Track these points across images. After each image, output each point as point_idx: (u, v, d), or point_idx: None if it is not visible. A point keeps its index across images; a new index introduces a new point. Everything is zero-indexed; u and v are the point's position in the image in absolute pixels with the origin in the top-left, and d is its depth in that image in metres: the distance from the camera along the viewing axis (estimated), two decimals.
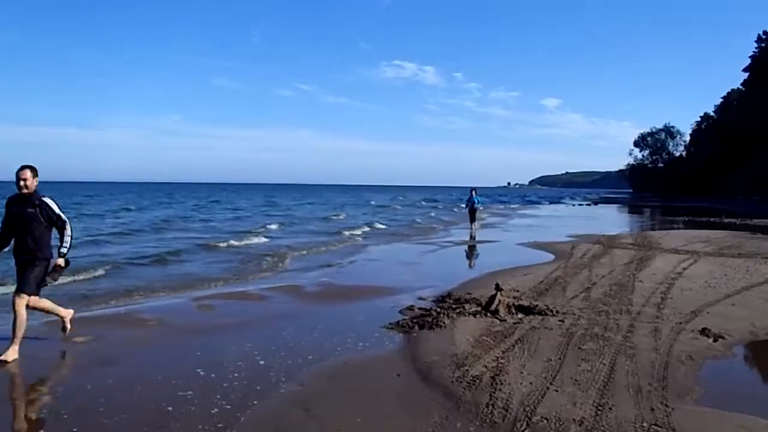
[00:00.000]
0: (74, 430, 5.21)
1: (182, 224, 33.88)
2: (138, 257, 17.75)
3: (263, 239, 24.42)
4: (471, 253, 20.75)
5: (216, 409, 5.65)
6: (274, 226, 32.22)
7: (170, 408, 5.71)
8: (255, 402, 5.88)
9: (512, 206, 70.71)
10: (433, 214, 48.07)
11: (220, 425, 5.32)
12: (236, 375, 6.69)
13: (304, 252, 20.17)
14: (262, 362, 7.19)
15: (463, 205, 35.96)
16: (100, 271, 14.55)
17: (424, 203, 78.78)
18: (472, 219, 27.47)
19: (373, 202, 76.59)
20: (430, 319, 9.06)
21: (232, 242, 22.48)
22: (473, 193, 27.24)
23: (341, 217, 43.22)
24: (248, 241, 23.27)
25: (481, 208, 29.84)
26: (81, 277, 13.54)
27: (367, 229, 31.39)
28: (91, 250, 19.47)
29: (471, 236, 25.39)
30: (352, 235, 27.40)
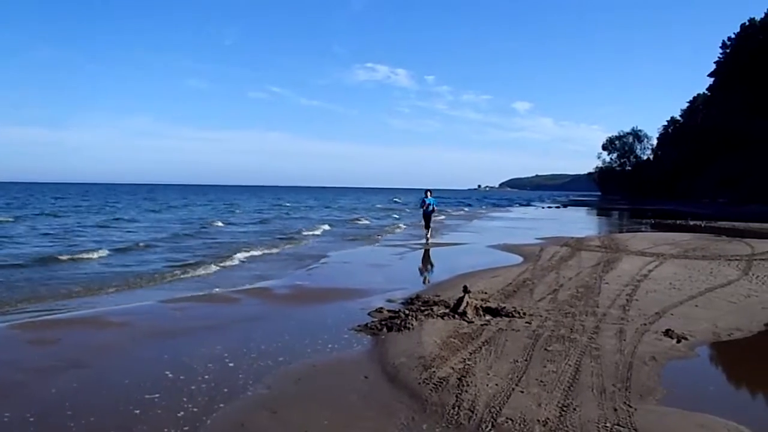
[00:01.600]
0: None
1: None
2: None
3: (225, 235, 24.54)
4: (426, 259, 19.21)
5: (182, 412, 5.64)
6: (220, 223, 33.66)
7: (137, 411, 5.68)
8: (222, 405, 5.87)
9: (482, 208, 71.04)
10: (396, 216, 48.11)
11: (186, 428, 5.32)
12: (204, 377, 6.67)
13: (275, 250, 20.45)
14: (231, 364, 7.17)
15: (419, 209, 27.69)
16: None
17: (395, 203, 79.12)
18: (427, 224, 24.33)
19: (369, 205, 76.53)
20: (398, 321, 9.09)
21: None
22: (428, 194, 24.16)
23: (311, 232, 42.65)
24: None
25: (436, 210, 25.81)
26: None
27: (327, 227, 31.78)
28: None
29: (426, 241, 23.59)
30: (314, 235, 27.94)
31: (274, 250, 20.90)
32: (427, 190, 24.34)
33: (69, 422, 5.44)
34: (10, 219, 35.30)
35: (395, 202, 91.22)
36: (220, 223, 35.39)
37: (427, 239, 23.69)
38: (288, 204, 73.91)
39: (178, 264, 16.65)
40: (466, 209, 66.66)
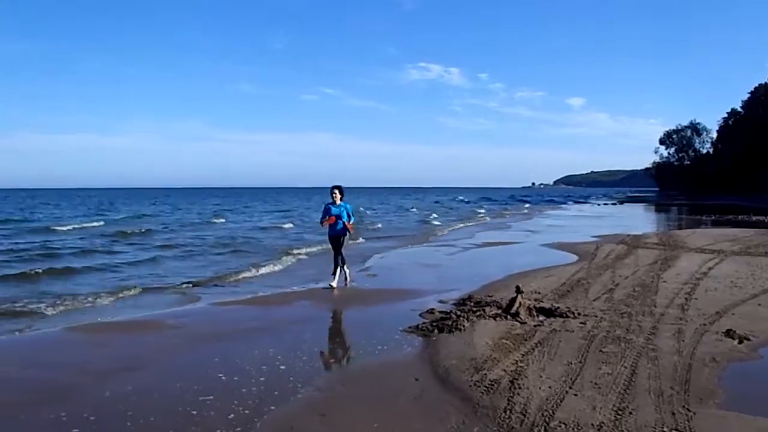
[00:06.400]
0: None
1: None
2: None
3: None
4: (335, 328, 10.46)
5: (233, 414, 5.68)
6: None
7: (194, 412, 5.78)
8: (272, 407, 5.90)
9: (536, 206, 70.31)
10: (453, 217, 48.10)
11: (237, 430, 5.35)
12: (256, 380, 6.72)
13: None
14: (282, 367, 7.21)
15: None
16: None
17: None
18: (337, 251, 13.23)
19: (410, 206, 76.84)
20: (449, 323, 9.02)
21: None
22: (336, 196, 13.20)
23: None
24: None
25: (352, 230, 13.53)
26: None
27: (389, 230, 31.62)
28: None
29: (345, 282, 13.30)
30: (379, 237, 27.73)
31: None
32: (334, 189, 13.26)
33: (126, 422, 5.55)
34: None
35: (460, 201, 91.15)
36: (289, 225, 35.74)
37: (346, 279, 13.33)
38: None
39: (230, 269, 16.87)
40: (526, 208, 66.38)
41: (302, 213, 52.20)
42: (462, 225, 36.52)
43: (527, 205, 71.82)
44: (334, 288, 12.73)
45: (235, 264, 17.59)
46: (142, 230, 31.08)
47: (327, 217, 13.11)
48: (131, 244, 24.72)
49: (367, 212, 52.87)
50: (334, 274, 13.07)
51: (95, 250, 22.06)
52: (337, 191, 13.17)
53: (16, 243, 24.53)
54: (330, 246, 13.58)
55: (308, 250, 20.96)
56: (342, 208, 13.20)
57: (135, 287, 13.29)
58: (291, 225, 35.38)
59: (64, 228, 33.12)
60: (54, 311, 10.88)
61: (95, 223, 37.79)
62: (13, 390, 6.56)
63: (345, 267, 13.29)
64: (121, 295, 12.53)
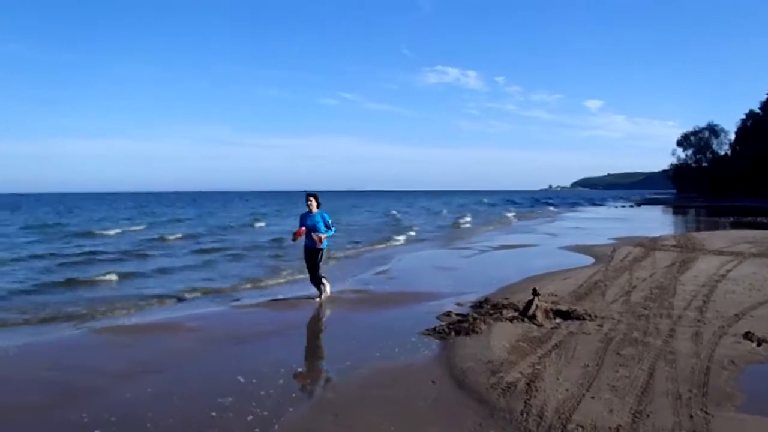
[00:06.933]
0: None
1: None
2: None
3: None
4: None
5: (251, 416, 5.73)
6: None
7: (213, 413, 5.85)
8: (290, 409, 5.95)
9: (553, 209, 70.00)
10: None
11: (256, 431, 5.40)
12: (274, 382, 6.76)
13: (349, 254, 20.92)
14: (299, 369, 7.27)
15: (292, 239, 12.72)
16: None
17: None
18: (313, 271, 12.03)
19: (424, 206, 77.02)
20: (466, 325, 9.03)
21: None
22: (312, 205, 11.92)
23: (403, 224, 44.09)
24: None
25: (326, 245, 12.05)
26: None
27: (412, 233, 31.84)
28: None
29: (319, 299, 11.86)
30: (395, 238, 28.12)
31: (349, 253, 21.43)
32: (309, 196, 11.95)
33: (146, 423, 5.62)
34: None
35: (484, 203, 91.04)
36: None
37: (320, 300, 11.82)
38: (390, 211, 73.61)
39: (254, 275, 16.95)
40: (541, 209, 66.33)
41: (337, 217, 52.48)
42: (492, 227, 37.17)
43: (551, 208, 71.80)
44: (321, 303, 11.57)
45: (283, 266, 17.57)
46: (186, 234, 31.26)
47: (302, 225, 11.79)
48: (181, 248, 25.02)
49: (398, 215, 53.29)
50: (318, 289, 11.96)
51: (146, 253, 22.33)
52: (312, 199, 11.84)
53: (66, 247, 24.77)
54: (305, 264, 12.13)
55: (346, 253, 21.44)
56: (318, 218, 11.81)
57: (195, 289, 13.60)
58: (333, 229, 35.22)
59: (111, 232, 33.50)
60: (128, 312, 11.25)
61: (138, 227, 38.36)
62: (37, 391, 6.66)
63: (324, 284, 11.99)
64: (187, 295, 12.98)
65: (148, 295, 12.86)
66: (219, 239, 28.71)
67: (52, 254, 21.52)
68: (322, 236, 11.67)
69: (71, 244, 26.56)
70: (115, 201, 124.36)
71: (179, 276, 16.10)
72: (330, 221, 12.00)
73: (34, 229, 36.62)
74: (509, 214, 53.77)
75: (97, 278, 15.23)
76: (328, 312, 10.89)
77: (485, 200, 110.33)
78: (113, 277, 15.37)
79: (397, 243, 26.39)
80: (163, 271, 17.10)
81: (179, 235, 30.34)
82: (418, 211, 66.55)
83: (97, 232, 33.72)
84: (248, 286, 14.20)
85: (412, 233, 31.34)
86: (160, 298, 12.58)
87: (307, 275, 12.19)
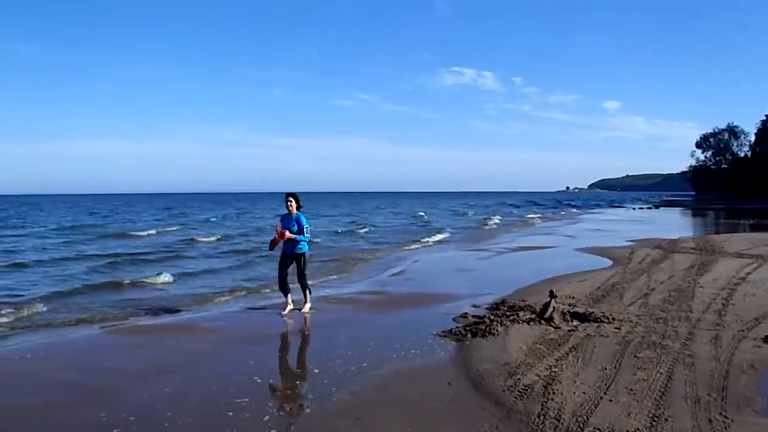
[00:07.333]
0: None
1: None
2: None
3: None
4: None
5: (268, 417, 5.75)
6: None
7: (230, 413, 5.88)
8: (307, 410, 5.97)
9: (571, 211, 69.68)
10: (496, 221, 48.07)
11: None
12: (291, 383, 6.80)
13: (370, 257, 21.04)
14: (315, 370, 7.27)
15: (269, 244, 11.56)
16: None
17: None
18: (283, 280, 11.02)
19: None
20: (483, 327, 9.01)
21: None
22: (291, 206, 10.94)
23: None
24: None
25: (307, 248, 11.02)
26: None
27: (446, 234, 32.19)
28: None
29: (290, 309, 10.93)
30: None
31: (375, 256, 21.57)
32: (289, 196, 10.97)
33: (164, 423, 5.67)
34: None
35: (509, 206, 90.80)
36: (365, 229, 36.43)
37: (305, 311, 10.84)
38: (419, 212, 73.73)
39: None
40: (559, 211, 66.16)
41: (366, 218, 52.97)
42: (518, 228, 37.57)
43: (574, 210, 71.76)
44: (305, 312, 10.66)
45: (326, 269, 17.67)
46: (224, 236, 31.51)
47: (277, 230, 10.79)
48: (214, 248, 25.37)
49: (425, 216, 53.43)
50: (304, 297, 10.94)
51: (182, 255, 22.63)
52: (292, 199, 10.85)
53: (109, 248, 25.14)
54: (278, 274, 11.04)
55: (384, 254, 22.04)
56: (293, 221, 10.78)
57: (241, 289, 14.11)
58: (367, 229, 36.11)
59: (144, 233, 33.78)
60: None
61: (171, 228, 38.91)
62: (55, 391, 6.72)
63: (306, 299, 10.96)
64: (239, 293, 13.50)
65: (203, 293, 13.46)
66: (253, 240, 28.81)
67: (98, 255, 21.88)
68: (287, 233, 10.59)
69: (112, 244, 26.95)
70: (137, 202, 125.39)
71: (225, 275, 16.51)
72: (307, 226, 10.85)
73: (68, 230, 37.00)
74: (533, 216, 54.19)
75: (146, 280, 15.32)
76: (346, 313, 10.88)
77: (509, 202, 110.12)
78: (167, 278, 15.44)
79: (429, 244, 27.07)
80: (209, 271, 17.52)
81: (215, 238, 30.54)
82: (443, 212, 66.58)
83: (132, 233, 34.04)
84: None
85: (446, 234, 31.81)
86: (214, 295, 13.25)
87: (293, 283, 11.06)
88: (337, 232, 33.98)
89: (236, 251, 23.26)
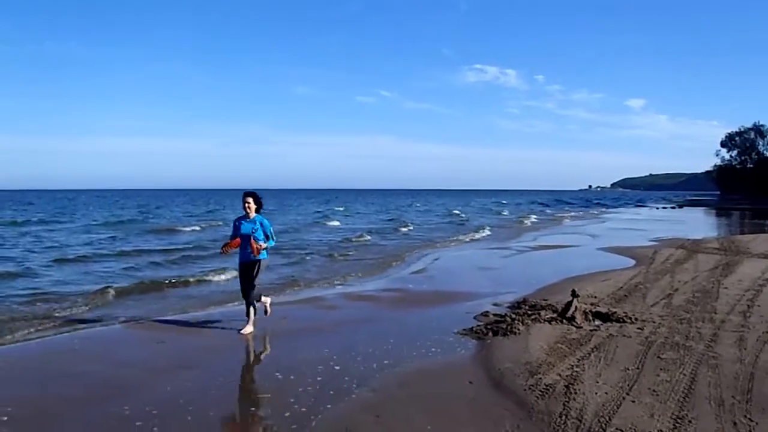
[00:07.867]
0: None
1: None
2: None
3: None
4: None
5: (289, 413, 5.78)
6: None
7: (252, 409, 5.95)
8: (328, 406, 5.98)
9: (593, 210, 69.18)
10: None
11: (293, 427, 5.45)
12: (312, 379, 6.81)
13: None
14: (337, 367, 7.29)
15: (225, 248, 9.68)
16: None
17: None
18: (247, 291, 9.29)
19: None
20: (504, 326, 8.98)
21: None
22: (250, 208, 9.29)
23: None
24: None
25: (266, 256, 9.37)
26: None
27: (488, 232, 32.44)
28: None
29: (265, 312, 9.79)
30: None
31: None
32: (247, 196, 9.40)
33: (187, 416, 5.73)
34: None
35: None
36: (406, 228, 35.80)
37: (266, 312, 9.79)
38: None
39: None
40: (580, 210, 65.96)
41: (402, 215, 52.90)
42: (551, 227, 37.85)
43: (603, 209, 71.57)
44: (245, 334, 9.04)
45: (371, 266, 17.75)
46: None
47: (236, 232, 9.37)
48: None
49: (462, 215, 53.34)
50: (247, 315, 9.31)
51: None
52: (251, 200, 9.31)
53: (160, 243, 25.27)
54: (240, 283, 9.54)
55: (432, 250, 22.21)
56: (257, 225, 9.29)
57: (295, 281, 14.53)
58: (409, 228, 35.32)
59: (188, 229, 33.71)
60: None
61: (215, 223, 38.86)
62: (79, 385, 6.80)
63: (263, 300, 9.61)
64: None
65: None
66: (296, 237, 28.89)
67: (159, 249, 22.08)
68: (262, 245, 9.11)
69: (164, 240, 27.00)
70: (169, 197, 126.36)
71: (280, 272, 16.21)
72: (271, 231, 9.47)
73: (112, 225, 36.90)
74: (564, 214, 54.46)
75: (206, 278, 15.18)
76: (367, 310, 10.90)
77: (538, 200, 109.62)
78: (223, 276, 15.10)
79: (477, 239, 28.19)
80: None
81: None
82: (478, 210, 66.40)
83: (178, 228, 34.03)
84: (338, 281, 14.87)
85: (486, 232, 31.85)
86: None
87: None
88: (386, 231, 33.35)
89: (291, 249, 22.54)
